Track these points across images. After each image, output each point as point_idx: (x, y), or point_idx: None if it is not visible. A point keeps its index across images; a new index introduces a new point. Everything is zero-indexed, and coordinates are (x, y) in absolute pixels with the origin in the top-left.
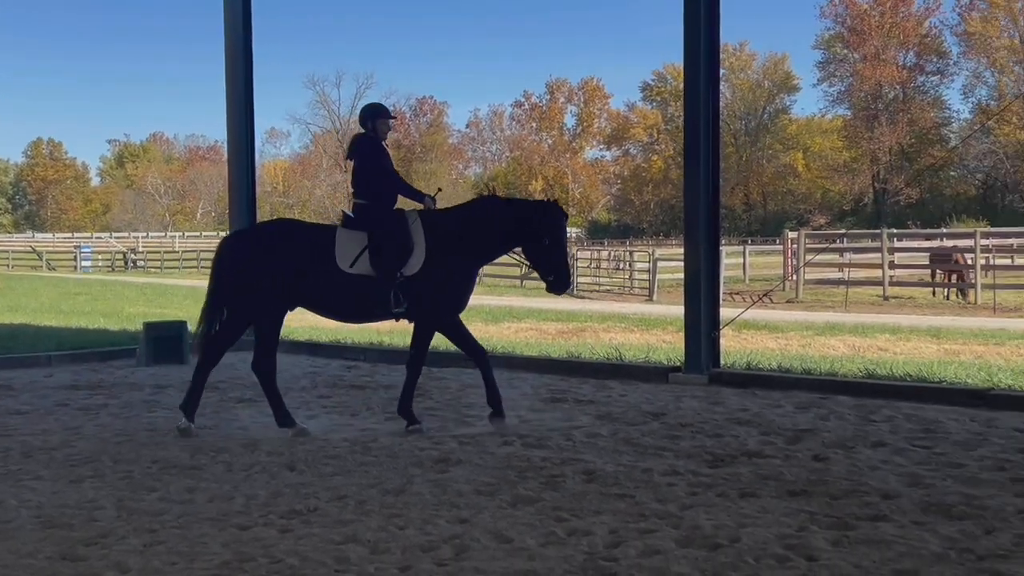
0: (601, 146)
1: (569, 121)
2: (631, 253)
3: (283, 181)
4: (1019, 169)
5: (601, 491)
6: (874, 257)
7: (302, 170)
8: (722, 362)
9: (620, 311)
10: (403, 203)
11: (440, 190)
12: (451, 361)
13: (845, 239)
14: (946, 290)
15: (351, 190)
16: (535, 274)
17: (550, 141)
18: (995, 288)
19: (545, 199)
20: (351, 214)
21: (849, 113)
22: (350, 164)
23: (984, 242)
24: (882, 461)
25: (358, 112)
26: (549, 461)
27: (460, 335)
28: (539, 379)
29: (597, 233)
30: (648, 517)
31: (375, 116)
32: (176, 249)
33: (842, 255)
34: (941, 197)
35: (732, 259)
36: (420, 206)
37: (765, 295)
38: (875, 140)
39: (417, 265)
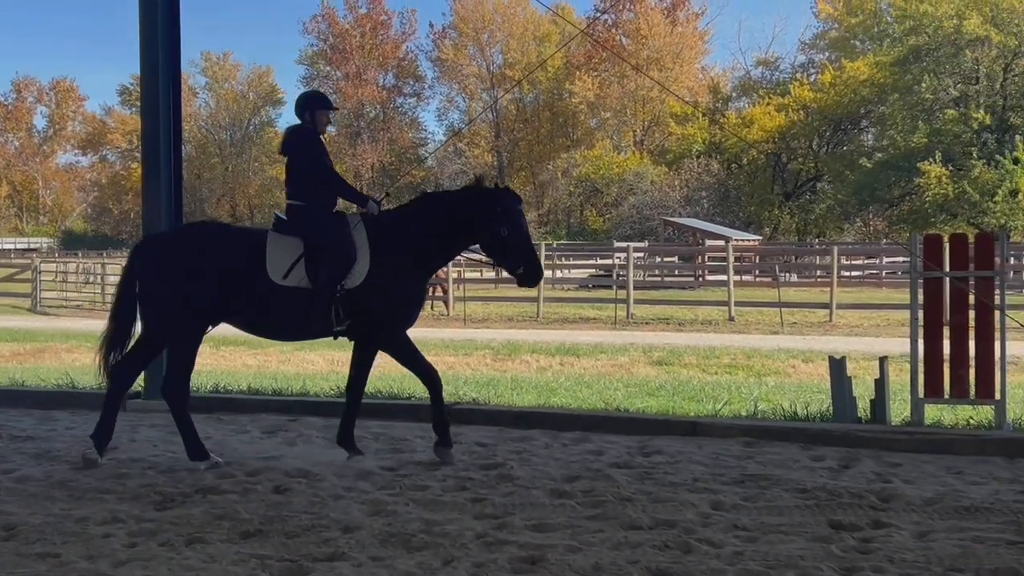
0: (76, 151)
1: (39, 123)
2: (104, 266)
3: None
4: None
5: (20, 550)
6: None
7: None
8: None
9: (88, 329)
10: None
11: (388, 194)
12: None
13: None
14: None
15: (285, 189)
16: None
17: (17, 143)
18: (465, 300)
19: (492, 186)
20: (284, 217)
21: (333, 129)
22: (283, 159)
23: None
24: (346, 489)
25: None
26: None
27: (408, 353)
28: None
29: (72, 244)
30: None
31: (313, 107)
32: None
33: None
34: None
35: None
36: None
37: None
38: (358, 157)
39: (361, 275)
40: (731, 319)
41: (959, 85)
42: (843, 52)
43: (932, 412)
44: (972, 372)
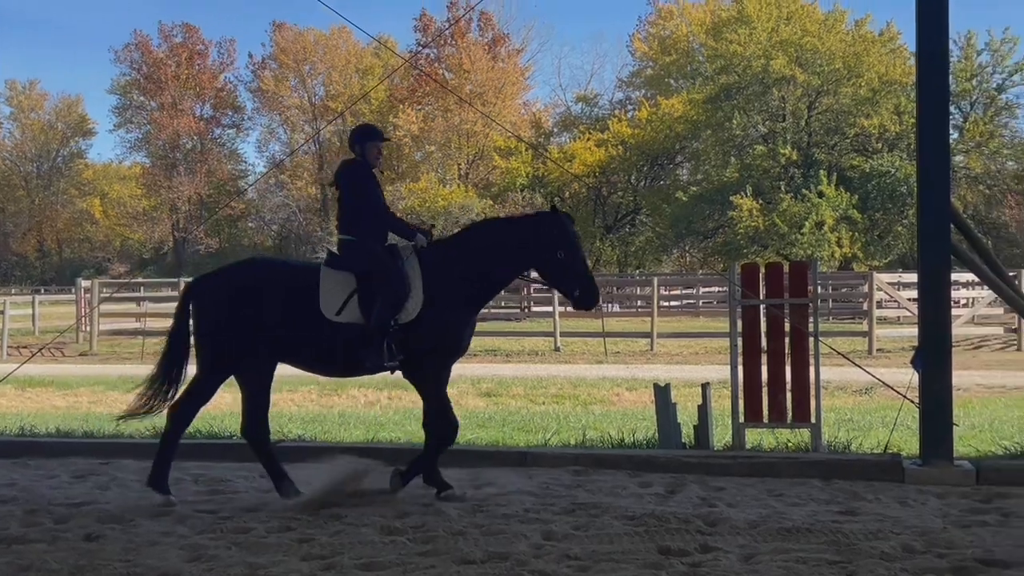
0: None
1: None
2: None
3: None
4: (310, 221)
5: None
6: (172, 306)
7: None
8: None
9: None
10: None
11: (434, 226)
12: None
13: (142, 288)
14: None
15: (336, 223)
16: None
17: None
18: None
19: (547, 208)
20: (336, 252)
21: (148, 161)
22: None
23: None
24: (163, 533)
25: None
26: None
27: (441, 395)
28: None
29: None
30: None
31: (363, 139)
32: None
33: (140, 304)
34: (240, 247)
35: (21, 310)
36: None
37: (46, 348)
38: (174, 189)
39: (414, 311)
40: (557, 349)
41: (767, 122)
42: (658, 90)
43: (753, 436)
44: (789, 396)
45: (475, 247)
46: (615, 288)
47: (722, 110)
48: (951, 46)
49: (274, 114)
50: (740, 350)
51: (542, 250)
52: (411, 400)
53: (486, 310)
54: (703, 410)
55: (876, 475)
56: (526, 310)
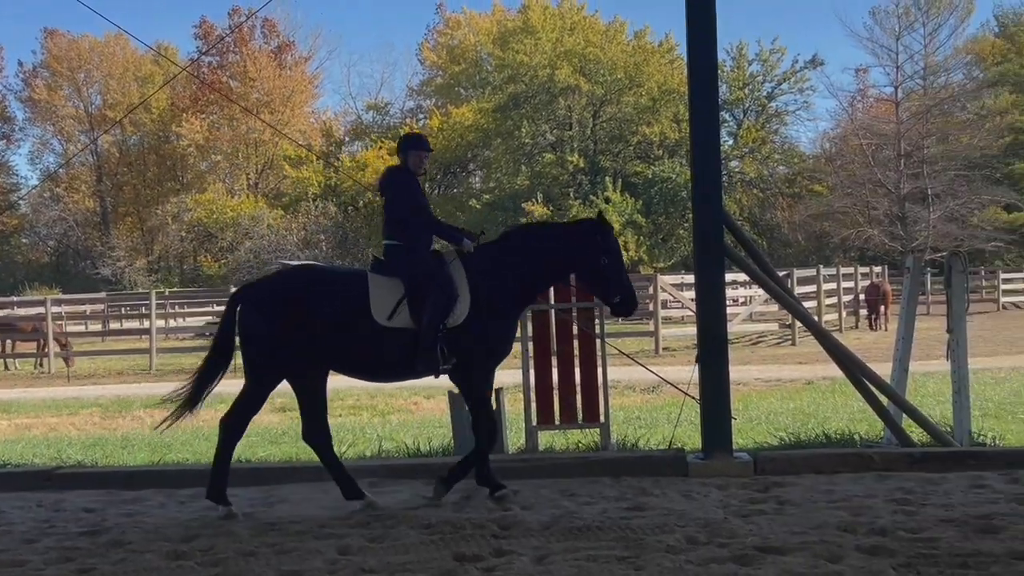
0: None
1: None
2: None
3: None
4: (89, 236)
5: None
6: None
7: None
8: None
9: None
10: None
11: (483, 232)
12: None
13: None
14: (15, 361)
15: (383, 229)
16: None
17: None
18: (70, 355)
19: (591, 216)
20: (382, 258)
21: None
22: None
23: (56, 309)
24: None
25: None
26: None
27: (483, 398)
28: None
29: None
30: None
31: (408, 147)
32: None
33: None
34: (14, 264)
35: None
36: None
37: None
38: None
39: (462, 315)
40: None
41: (555, 130)
42: (449, 98)
43: (546, 438)
44: (579, 398)
45: (520, 252)
46: None
47: (511, 119)
48: (724, 56)
49: (47, 124)
50: (531, 354)
51: (586, 257)
52: (200, 419)
53: None
54: (497, 414)
55: (662, 470)
56: None
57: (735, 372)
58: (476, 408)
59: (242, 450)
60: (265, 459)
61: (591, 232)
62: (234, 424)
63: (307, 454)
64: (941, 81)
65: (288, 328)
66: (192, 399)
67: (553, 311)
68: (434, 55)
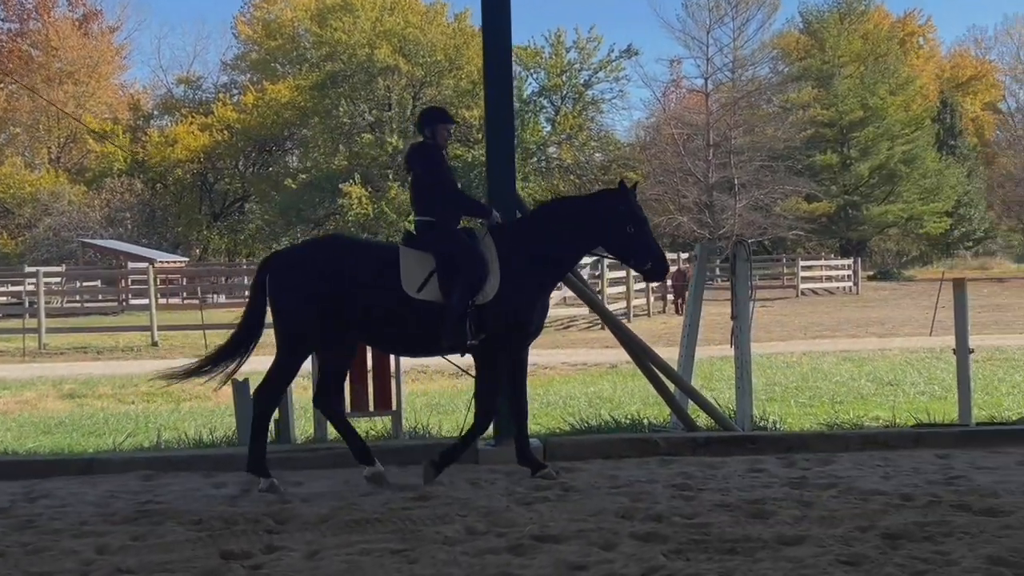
0: None
1: None
2: None
3: None
4: None
5: None
6: None
7: None
8: None
9: None
10: None
11: None
12: None
13: None
14: None
15: (412, 206)
16: None
17: None
18: None
19: (616, 185)
20: (413, 233)
21: None
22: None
23: None
24: None
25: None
26: None
27: (521, 366)
28: None
29: None
30: None
31: (434, 121)
32: None
33: None
34: None
35: None
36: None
37: None
38: None
39: (492, 291)
40: (155, 344)
41: (374, 111)
42: (265, 74)
43: None
44: (371, 385)
45: (547, 227)
46: (224, 278)
47: (329, 97)
48: (542, 42)
49: None
50: None
51: (613, 226)
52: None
53: (78, 304)
54: (284, 404)
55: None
56: (124, 303)
57: (543, 356)
58: (483, 386)
59: (10, 440)
60: (34, 450)
61: (616, 202)
62: (268, 395)
63: (79, 446)
64: (748, 74)
65: (320, 295)
66: (199, 368)
67: None
68: (249, 29)
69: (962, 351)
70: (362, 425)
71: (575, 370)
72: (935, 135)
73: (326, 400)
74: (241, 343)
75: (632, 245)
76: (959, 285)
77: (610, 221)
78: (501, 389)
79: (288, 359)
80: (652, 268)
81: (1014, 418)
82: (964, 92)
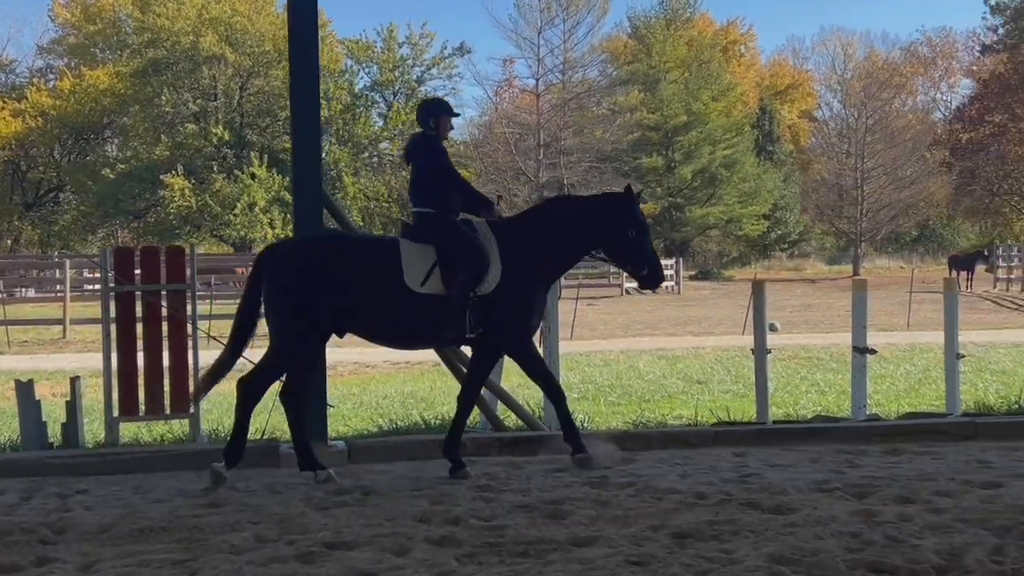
0: None
1: None
2: None
3: None
4: None
5: None
6: None
7: None
8: None
9: None
10: None
11: (501, 197)
12: None
13: None
14: None
15: (411, 197)
16: None
17: None
18: None
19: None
20: (412, 224)
21: None
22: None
23: None
24: None
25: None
26: None
27: (536, 360)
28: None
29: None
30: None
31: (437, 113)
32: None
33: None
34: None
35: None
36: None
37: None
38: None
39: (493, 283)
40: None
41: (199, 100)
42: (83, 59)
43: (132, 430)
44: (168, 386)
45: (549, 224)
46: (35, 271)
47: (151, 85)
48: (374, 37)
49: None
50: (114, 338)
51: (615, 230)
52: None
53: None
54: (73, 405)
55: (255, 461)
56: None
57: (365, 355)
58: (473, 378)
59: None
60: None
61: (619, 205)
62: (252, 386)
63: None
64: (578, 76)
65: (312, 290)
66: (219, 370)
67: (139, 293)
68: (67, 12)
69: (760, 351)
70: (173, 428)
71: (396, 369)
72: (754, 141)
73: (296, 391)
74: (239, 339)
75: (632, 250)
76: (758, 287)
77: (613, 224)
78: (541, 359)
79: (282, 353)
80: (648, 275)
81: (810, 416)
82: (782, 100)
